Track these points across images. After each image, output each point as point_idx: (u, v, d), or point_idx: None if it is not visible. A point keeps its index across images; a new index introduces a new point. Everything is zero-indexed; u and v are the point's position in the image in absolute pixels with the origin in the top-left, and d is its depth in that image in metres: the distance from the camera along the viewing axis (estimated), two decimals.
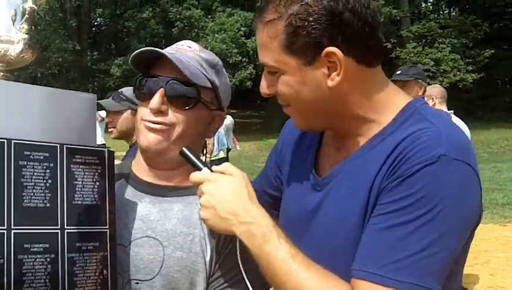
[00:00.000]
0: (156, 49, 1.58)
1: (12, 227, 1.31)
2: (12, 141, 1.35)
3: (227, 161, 12.72)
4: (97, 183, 1.47)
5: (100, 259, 1.44)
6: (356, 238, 1.34)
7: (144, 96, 1.62)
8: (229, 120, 12.91)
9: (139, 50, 1.58)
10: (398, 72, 5.51)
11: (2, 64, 1.59)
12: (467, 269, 3.82)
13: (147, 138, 1.59)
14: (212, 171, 1.49)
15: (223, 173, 1.47)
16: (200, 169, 1.50)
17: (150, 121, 1.59)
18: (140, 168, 1.69)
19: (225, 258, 1.57)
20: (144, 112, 1.61)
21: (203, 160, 1.55)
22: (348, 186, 1.40)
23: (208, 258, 1.56)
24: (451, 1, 37.15)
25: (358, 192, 1.36)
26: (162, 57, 1.57)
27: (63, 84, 33.54)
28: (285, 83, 1.40)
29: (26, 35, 1.59)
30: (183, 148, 1.55)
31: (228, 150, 13.08)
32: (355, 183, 1.38)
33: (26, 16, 1.58)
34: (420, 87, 5.33)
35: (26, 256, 1.31)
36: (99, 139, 11.88)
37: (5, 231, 1.30)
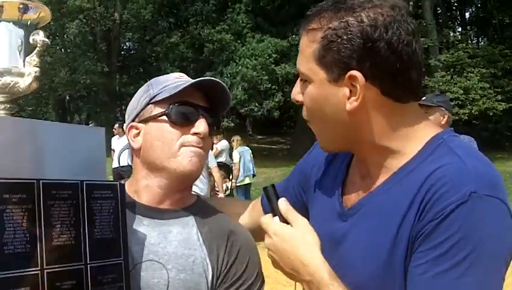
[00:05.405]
0: (218, 81, 1.66)
1: (45, 267, 1.32)
2: (41, 181, 1.35)
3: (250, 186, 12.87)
4: (112, 216, 1.48)
5: None
6: (380, 279, 1.35)
7: (181, 122, 1.64)
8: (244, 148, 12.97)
9: (202, 79, 1.64)
10: (424, 98, 5.49)
11: (7, 95, 1.58)
12: None
13: (193, 164, 1.63)
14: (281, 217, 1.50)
15: (288, 222, 1.49)
16: (272, 212, 1.53)
17: (197, 147, 1.64)
18: (143, 192, 1.68)
19: (225, 275, 1.60)
20: (188, 138, 1.64)
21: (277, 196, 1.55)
22: (373, 224, 1.39)
23: (210, 278, 1.59)
24: (479, 31, 37.01)
25: (385, 232, 1.34)
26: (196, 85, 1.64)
27: (91, 107, 33.79)
28: (310, 94, 1.42)
29: (37, 68, 1.58)
30: (269, 187, 1.58)
31: (253, 176, 13.13)
32: (382, 222, 1.36)
33: (38, 48, 1.57)
34: (443, 115, 5.26)
35: None
36: (125, 160, 11.85)
37: (39, 272, 1.31)
